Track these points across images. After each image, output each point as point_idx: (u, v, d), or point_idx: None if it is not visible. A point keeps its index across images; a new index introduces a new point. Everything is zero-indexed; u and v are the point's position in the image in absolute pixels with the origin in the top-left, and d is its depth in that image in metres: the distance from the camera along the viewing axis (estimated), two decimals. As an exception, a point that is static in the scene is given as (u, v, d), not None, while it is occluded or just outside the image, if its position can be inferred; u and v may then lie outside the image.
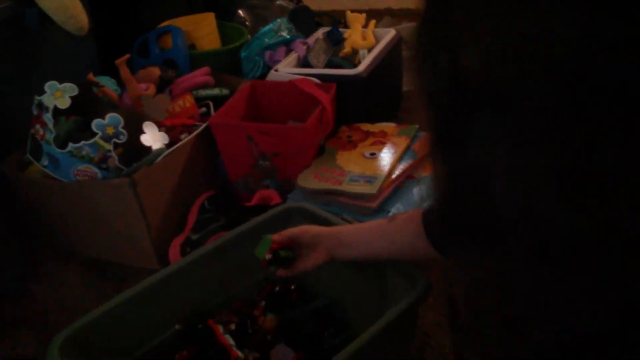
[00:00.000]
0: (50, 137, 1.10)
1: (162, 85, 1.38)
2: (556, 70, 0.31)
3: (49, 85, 1.10)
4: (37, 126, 1.12)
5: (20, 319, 1.14)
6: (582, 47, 0.30)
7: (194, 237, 1.15)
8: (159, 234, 1.17)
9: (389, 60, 1.44)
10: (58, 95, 1.09)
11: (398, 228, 0.74)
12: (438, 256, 0.69)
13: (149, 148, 1.15)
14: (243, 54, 1.51)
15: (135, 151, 1.15)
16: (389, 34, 1.50)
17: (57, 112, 1.11)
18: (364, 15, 1.54)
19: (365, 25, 1.52)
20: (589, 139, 0.31)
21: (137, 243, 1.18)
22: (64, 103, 1.09)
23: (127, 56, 1.25)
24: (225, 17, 1.76)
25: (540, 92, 0.32)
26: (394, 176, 1.12)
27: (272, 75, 1.41)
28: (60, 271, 1.25)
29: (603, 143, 0.31)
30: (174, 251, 1.13)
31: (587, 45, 0.30)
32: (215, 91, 1.40)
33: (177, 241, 1.15)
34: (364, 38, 1.48)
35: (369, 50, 1.46)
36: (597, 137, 0.31)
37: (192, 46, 1.56)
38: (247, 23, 1.79)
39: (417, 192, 1.10)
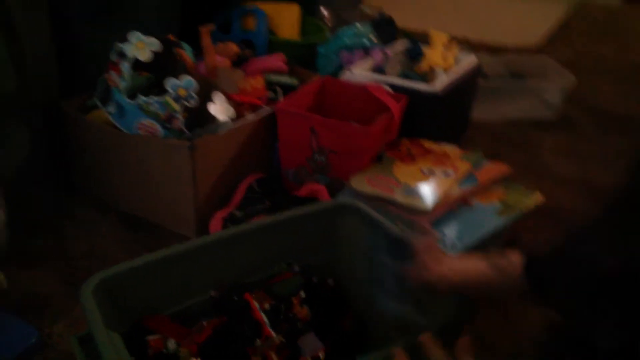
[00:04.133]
0: (123, 85, 1.10)
1: (237, 62, 1.38)
2: None
3: (134, 36, 1.11)
4: (112, 72, 1.13)
5: (46, 257, 1.14)
6: None
7: (238, 214, 1.14)
8: (203, 203, 1.16)
9: (464, 84, 1.42)
10: (140, 46, 1.10)
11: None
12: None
13: (214, 118, 1.15)
14: (321, 49, 1.51)
15: (199, 118, 1.16)
16: (468, 59, 1.48)
17: (136, 63, 1.12)
18: (447, 36, 1.52)
19: (447, 47, 1.51)
20: None
21: (180, 208, 1.17)
22: (145, 56, 1.10)
23: (212, 26, 1.26)
24: (306, 11, 1.77)
25: None
26: (450, 198, 1.10)
27: (346, 75, 1.40)
28: (95, 219, 1.25)
29: None
30: (215, 223, 1.13)
31: None
32: (287, 79, 1.40)
33: (220, 214, 1.14)
34: (444, 58, 1.47)
35: (446, 71, 1.44)
36: None
37: (272, 32, 1.56)
38: (327, 22, 1.79)
39: (451, 231, 1.06)
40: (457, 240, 1.02)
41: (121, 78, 1.11)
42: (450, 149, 1.26)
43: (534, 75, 1.79)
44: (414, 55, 1.52)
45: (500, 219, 1.07)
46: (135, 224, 1.23)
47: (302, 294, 0.88)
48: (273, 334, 0.75)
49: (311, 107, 1.36)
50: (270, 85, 1.38)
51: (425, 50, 1.51)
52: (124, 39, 1.12)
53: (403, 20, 1.85)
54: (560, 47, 2.42)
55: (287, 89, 1.38)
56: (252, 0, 1.64)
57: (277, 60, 1.42)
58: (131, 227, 1.22)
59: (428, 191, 1.09)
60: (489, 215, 1.08)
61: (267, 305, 0.83)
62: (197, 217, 1.16)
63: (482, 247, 1.05)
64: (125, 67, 1.10)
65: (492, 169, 1.20)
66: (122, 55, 1.11)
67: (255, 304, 0.80)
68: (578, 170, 1.49)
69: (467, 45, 1.95)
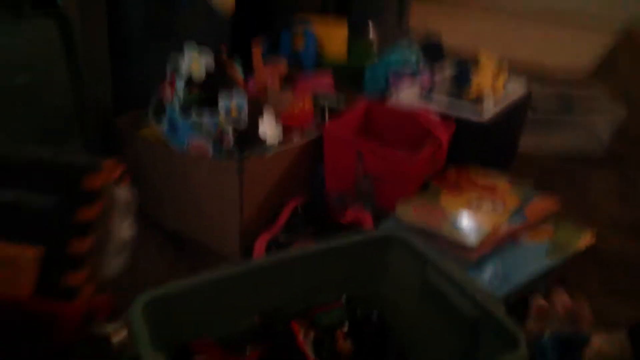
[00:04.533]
0: (177, 103, 1.12)
1: (286, 79, 1.39)
2: None
3: (189, 56, 1.12)
4: (167, 90, 1.14)
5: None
6: None
7: (282, 237, 1.14)
8: (248, 224, 1.17)
9: (513, 114, 1.40)
10: (195, 66, 1.11)
11: None
12: None
13: (263, 139, 1.15)
14: (368, 72, 1.51)
15: (248, 139, 1.16)
16: (519, 89, 1.46)
17: (188, 81, 1.13)
18: (496, 59, 1.50)
19: (496, 72, 1.48)
20: None
21: (224, 228, 1.18)
22: (199, 76, 1.11)
23: (262, 43, 1.27)
24: (353, 30, 1.76)
25: None
26: (498, 234, 1.08)
27: (393, 100, 1.39)
28: (141, 234, 1.25)
29: None
30: (259, 246, 1.13)
31: None
32: (334, 102, 1.40)
33: (265, 237, 1.15)
34: (493, 85, 1.45)
35: (495, 98, 1.42)
36: None
37: (320, 51, 1.57)
38: (375, 42, 1.78)
39: (497, 269, 1.04)
40: (503, 279, 1.01)
41: (176, 96, 1.12)
42: (499, 181, 1.24)
43: (583, 107, 1.75)
44: (462, 81, 1.50)
45: (548, 261, 1.05)
46: (180, 241, 1.24)
47: (346, 327, 0.87)
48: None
49: (357, 131, 1.36)
50: (317, 107, 1.39)
51: (474, 76, 1.49)
52: (178, 56, 1.13)
53: (451, 37, 1.84)
54: (607, 76, 2.37)
55: (334, 112, 1.38)
56: (302, 13, 1.64)
57: (325, 81, 1.42)
58: (176, 245, 1.23)
59: (476, 226, 1.08)
60: (537, 255, 1.05)
61: (311, 336, 0.83)
62: (241, 238, 1.17)
63: (528, 287, 1.03)
64: (180, 85, 1.12)
65: (540, 205, 1.18)
66: (176, 72, 1.13)
67: (301, 334, 0.80)
68: (627, 210, 1.45)
69: (515, 69, 1.92)
